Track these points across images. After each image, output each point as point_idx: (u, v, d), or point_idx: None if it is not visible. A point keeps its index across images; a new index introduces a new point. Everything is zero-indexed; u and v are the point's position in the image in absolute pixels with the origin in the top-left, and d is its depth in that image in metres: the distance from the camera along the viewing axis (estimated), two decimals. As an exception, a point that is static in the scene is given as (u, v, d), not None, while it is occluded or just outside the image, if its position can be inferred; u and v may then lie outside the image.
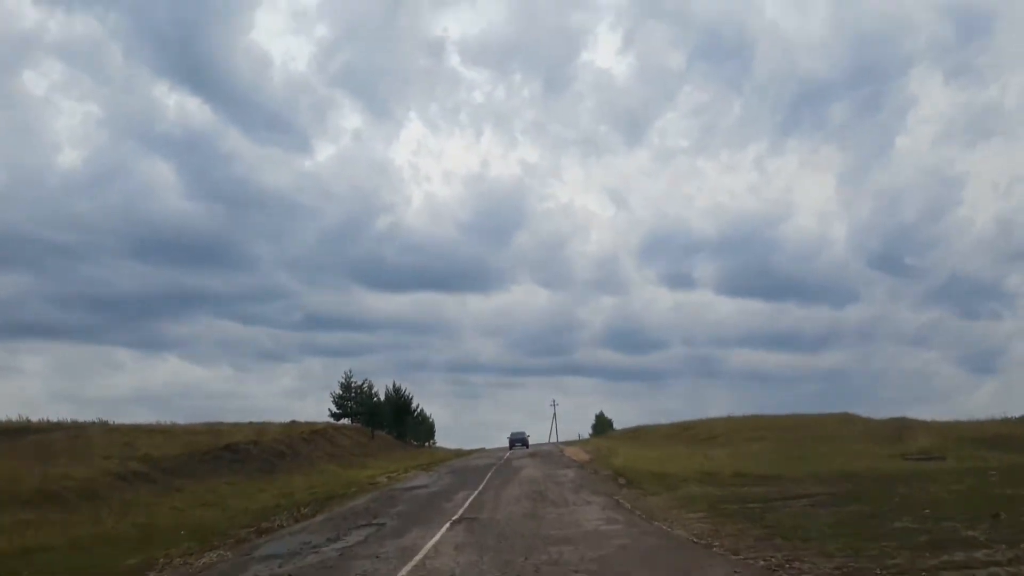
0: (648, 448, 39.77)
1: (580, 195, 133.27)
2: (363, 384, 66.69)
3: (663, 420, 58.11)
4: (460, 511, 15.65)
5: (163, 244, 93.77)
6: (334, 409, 61.29)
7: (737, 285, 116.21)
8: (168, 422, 36.19)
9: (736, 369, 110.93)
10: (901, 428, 35.67)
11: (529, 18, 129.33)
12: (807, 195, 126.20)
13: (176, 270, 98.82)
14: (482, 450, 64.00)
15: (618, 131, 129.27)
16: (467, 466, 33.71)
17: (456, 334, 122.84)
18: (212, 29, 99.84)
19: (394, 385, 69.83)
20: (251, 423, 43.85)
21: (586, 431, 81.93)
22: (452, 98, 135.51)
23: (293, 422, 49.47)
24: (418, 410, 73.57)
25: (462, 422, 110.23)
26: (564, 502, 16.32)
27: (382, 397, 68.63)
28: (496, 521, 13.61)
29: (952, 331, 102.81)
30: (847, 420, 44.66)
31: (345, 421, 61.68)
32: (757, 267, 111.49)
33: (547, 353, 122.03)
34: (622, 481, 21.22)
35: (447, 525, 13.39)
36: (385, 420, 67.00)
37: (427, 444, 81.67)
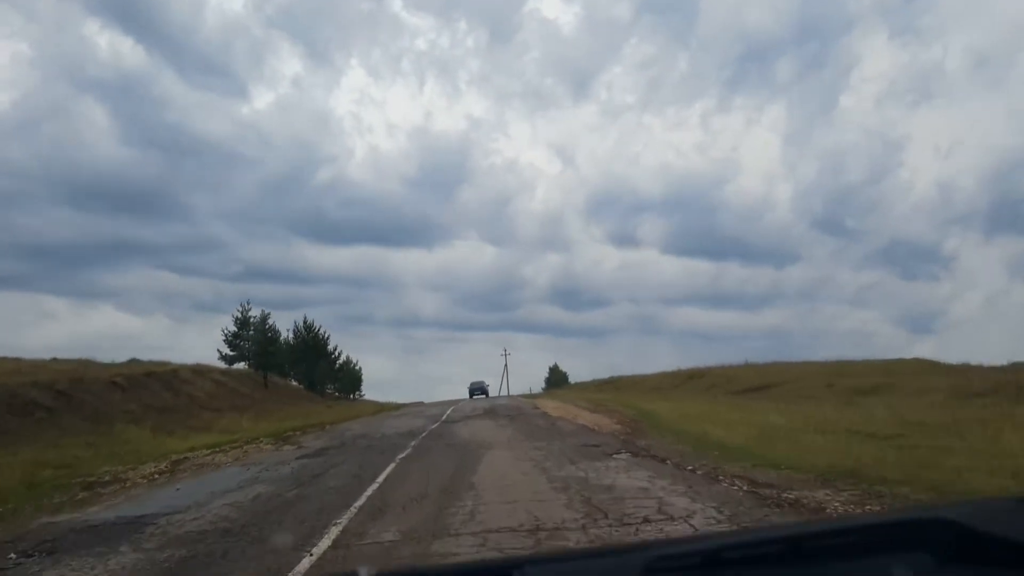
0: (677, 402, 25.65)
1: (526, 151, 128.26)
2: (265, 318, 51.22)
3: (608, 374, 53.77)
4: None
5: (97, 191, 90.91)
6: (226, 351, 45.24)
7: (682, 244, 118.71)
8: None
9: (679, 326, 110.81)
10: None
11: None
12: (752, 154, 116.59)
13: (111, 219, 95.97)
14: (419, 405, 49.45)
15: (564, 84, 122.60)
16: (375, 434, 18.58)
17: (400, 289, 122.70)
18: None
19: (305, 322, 54.12)
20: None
21: (537, 385, 76.41)
22: (395, 44, 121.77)
23: (133, 360, 33.77)
24: (338, 355, 58.03)
25: (407, 376, 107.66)
26: None
27: (290, 337, 52.99)
28: None
29: (891, 292, 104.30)
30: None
31: (241, 366, 46.28)
32: (702, 227, 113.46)
33: (492, 309, 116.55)
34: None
35: None
36: (288, 364, 51.54)
37: (352, 396, 66.64)
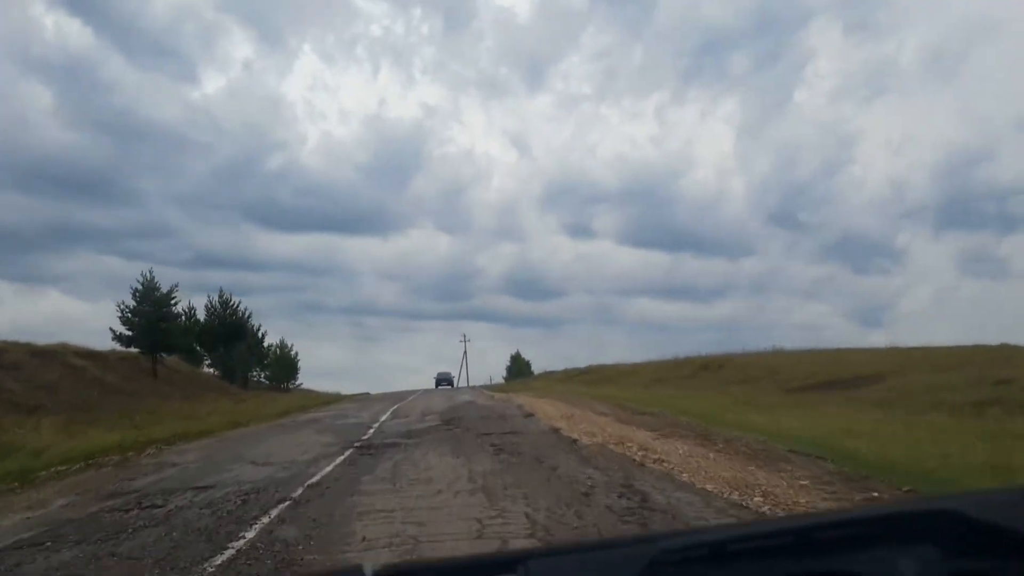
0: (744, 403, 16.74)
1: (481, 140, 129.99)
2: (169, 292, 41.13)
3: (564, 365, 52.79)
4: None
5: (43, 175, 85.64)
6: (121, 329, 34.73)
7: (637, 236, 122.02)
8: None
9: (634, 317, 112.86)
10: None
11: None
12: (707, 148, 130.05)
13: (57, 203, 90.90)
14: (361, 399, 40.27)
15: (519, 73, 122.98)
16: (205, 479, 9.04)
17: (354, 277, 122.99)
18: None
19: (220, 297, 43.90)
20: None
21: (498, 375, 70.88)
22: (349, 30, 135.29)
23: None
24: (262, 336, 47.93)
25: (361, 364, 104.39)
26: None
27: (200, 314, 42.87)
28: None
29: (843, 286, 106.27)
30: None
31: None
32: (657, 219, 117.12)
33: (448, 298, 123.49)
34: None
35: None
36: (199, 347, 41.55)
37: (285, 385, 56.62)
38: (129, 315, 33.79)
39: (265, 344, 51.19)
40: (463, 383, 75.86)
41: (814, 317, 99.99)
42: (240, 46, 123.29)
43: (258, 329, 46.95)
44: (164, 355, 35.35)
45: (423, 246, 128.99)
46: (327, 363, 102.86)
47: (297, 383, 59.61)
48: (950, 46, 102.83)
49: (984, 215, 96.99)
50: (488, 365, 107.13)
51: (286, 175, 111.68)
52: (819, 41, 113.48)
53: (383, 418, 17.06)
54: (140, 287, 34.25)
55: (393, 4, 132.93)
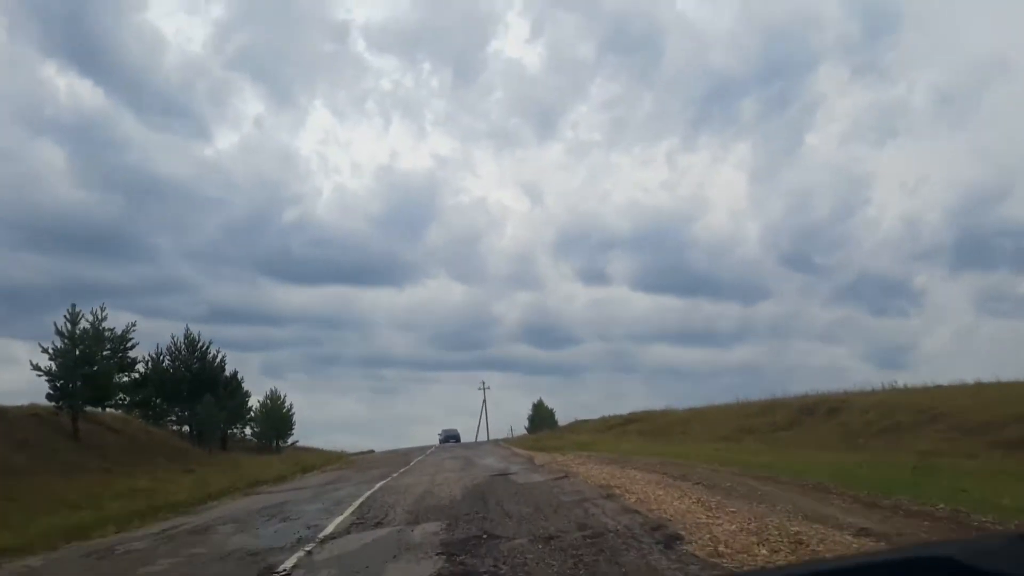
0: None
1: (494, 189, 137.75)
2: (124, 333, 33.62)
3: (584, 414, 49.17)
4: None
5: (57, 234, 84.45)
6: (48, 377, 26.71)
7: (651, 281, 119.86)
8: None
9: (651, 364, 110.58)
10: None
11: (436, 2, 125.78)
12: (719, 192, 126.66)
13: (72, 261, 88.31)
14: (361, 459, 32.39)
15: (530, 123, 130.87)
16: None
17: (369, 329, 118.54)
18: (101, 6, 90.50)
19: (187, 337, 36.11)
20: None
21: (519, 425, 63.62)
22: (359, 86, 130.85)
23: None
24: (235, 383, 39.75)
25: (378, 417, 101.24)
26: None
27: (161, 355, 35.10)
28: None
29: (861, 328, 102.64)
30: None
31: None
32: (671, 264, 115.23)
33: (463, 348, 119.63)
34: None
35: None
36: (160, 400, 33.72)
37: (275, 444, 48.33)
38: (51, 359, 25.85)
39: (246, 395, 43.01)
40: (483, 436, 67.27)
41: (834, 359, 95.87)
42: (251, 103, 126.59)
43: (232, 377, 38.81)
44: (99, 409, 27.41)
45: (438, 296, 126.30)
46: (344, 417, 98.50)
47: (292, 442, 51.46)
48: (961, 87, 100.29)
49: (1001, 253, 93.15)
50: (506, 415, 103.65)
51: (300, 228, 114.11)
52: (827, 85, 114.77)
53: (338, 520, 8.82)
54: (67, 324, 26.29)
55: (402, 58, 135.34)
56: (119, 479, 21.64)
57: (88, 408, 27.41)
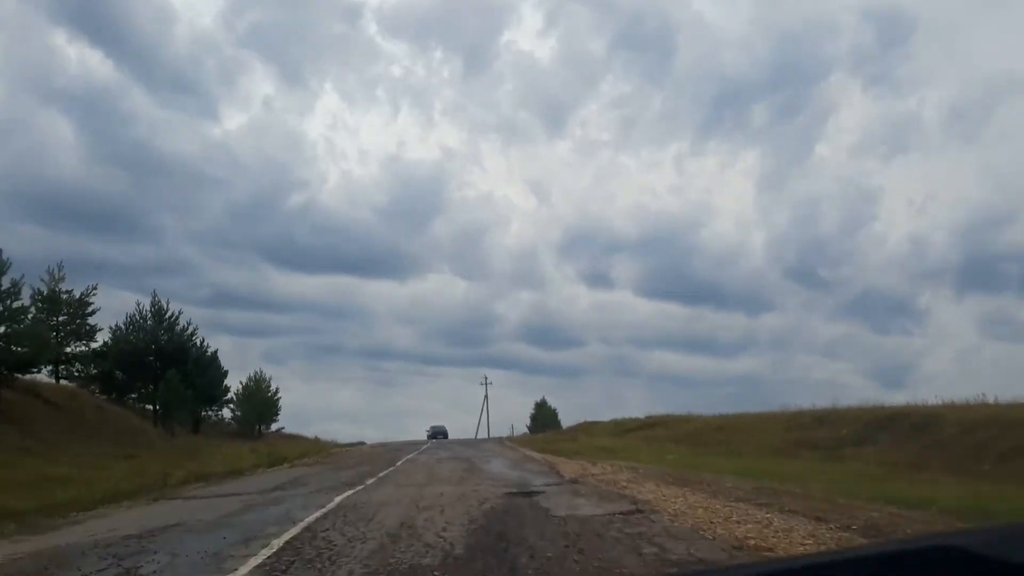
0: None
1: (501, 185, 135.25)
2: (84, 295, 30.16)
3: (587, 417, 47.01)
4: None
5: (61, 208, 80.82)
6: None
7: (655, 287, 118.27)
8: None
9: (653, 370, 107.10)
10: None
11: None
12: (726, 200, 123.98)
13: (75, 236, 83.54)
14: (349, 451, 28.22)
15: (539, 118, 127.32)
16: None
17: (371, 320, 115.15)
18: None
19: (154, 303, 31.77)
20: None
21: (520, 424, 60.30)
22: (369, 70, 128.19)
23: None
24: (206, 355, 35.26)
25: (376, 409, 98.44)
26: None
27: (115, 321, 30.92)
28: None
29: (863, 345, 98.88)
30: None
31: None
32: (675, 271, 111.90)
33: (464, 344, 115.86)
34: None
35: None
36: (115, 373, 29.53)
37: (258, 430, 44.06)
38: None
39: (224, 374, 38.67)
40: (483, 433, 62.81)
41: (834, 375, 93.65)
42: (260, 83, 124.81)
43: (204, 352, 34.40)
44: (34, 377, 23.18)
45: (440, 291, 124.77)
46: (342, 406, 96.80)
47: (277, 428, 47.17)
48: (972, 104, 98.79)
49: (1007, 277, 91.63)
50: (506, 413, 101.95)
51: (305, 214, 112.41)
52: (839, 95, 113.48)
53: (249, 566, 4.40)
54: None
55: (413, 44, 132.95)
56: (31, 462, 17.36)
57: (22, 377, 23.25)
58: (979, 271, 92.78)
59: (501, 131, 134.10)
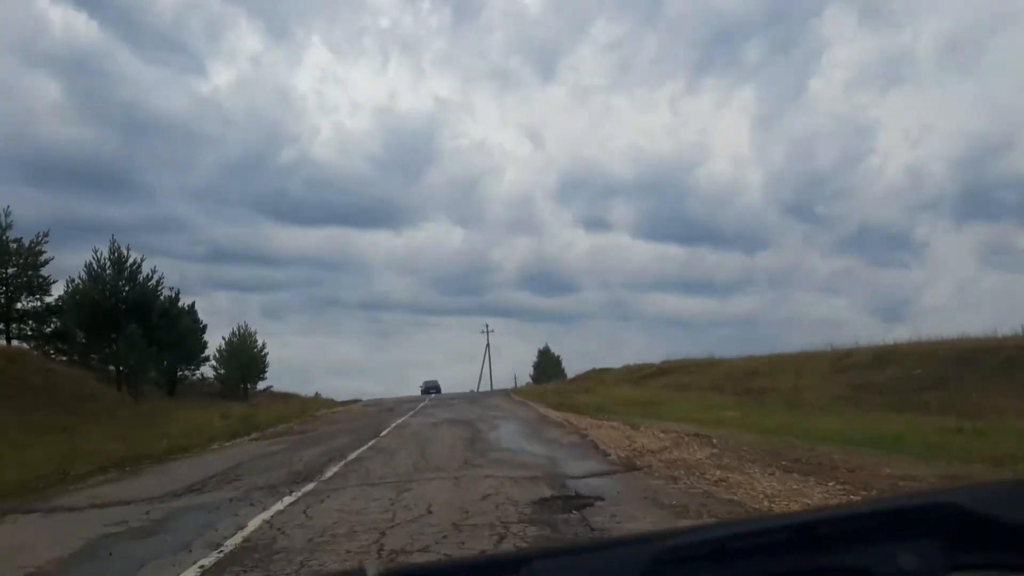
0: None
1: (494, 132, 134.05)
2: (33, 244, 26.64)
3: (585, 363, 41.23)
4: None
5: (52, 169, 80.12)
6: None
7: (653, 229, 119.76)
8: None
9: (651, 313, 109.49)
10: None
11: None
12: (722, 139, 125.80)
13: (68, 197, 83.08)
14: (337, 413, 24.93)
15: (531, 64, 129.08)
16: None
17: (368, 272, 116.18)
18: None
19: (113, 250, 27.95)
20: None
21: (523, 374, 56.36)
22: (357, 22, 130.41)
23: None
24: (178, 310, 31.51)
25: (377, 361, 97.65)
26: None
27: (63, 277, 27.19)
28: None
29: (862, 279, 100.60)
30: None
31: None
32: (673, 211, 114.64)
33: (462, 293, 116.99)
34: None
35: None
36: (73, 327, 26.01)
37: (244, 387, 40.73)
38: None
39: (202, 329, 35.08)
40: (486, 385, 59.59)
41: (834, 311, 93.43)
42: (247, 38, 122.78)
43: (172, 303, 30.65)
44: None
45: (437, 240, 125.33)
46: (343, 360, 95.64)
47: (264, 387, 43.79)
48: (967, 35, 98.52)
49: (1005, 205, 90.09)
50: (507, 363, 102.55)
51: (298, 168, 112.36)
52: (833, 29, 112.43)
53: None
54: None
55: None
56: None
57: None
58: (977, 200, 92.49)
59: (493, 79, 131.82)
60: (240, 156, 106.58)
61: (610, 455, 8.28)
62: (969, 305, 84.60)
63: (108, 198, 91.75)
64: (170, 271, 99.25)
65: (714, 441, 8.81)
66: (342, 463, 9.06)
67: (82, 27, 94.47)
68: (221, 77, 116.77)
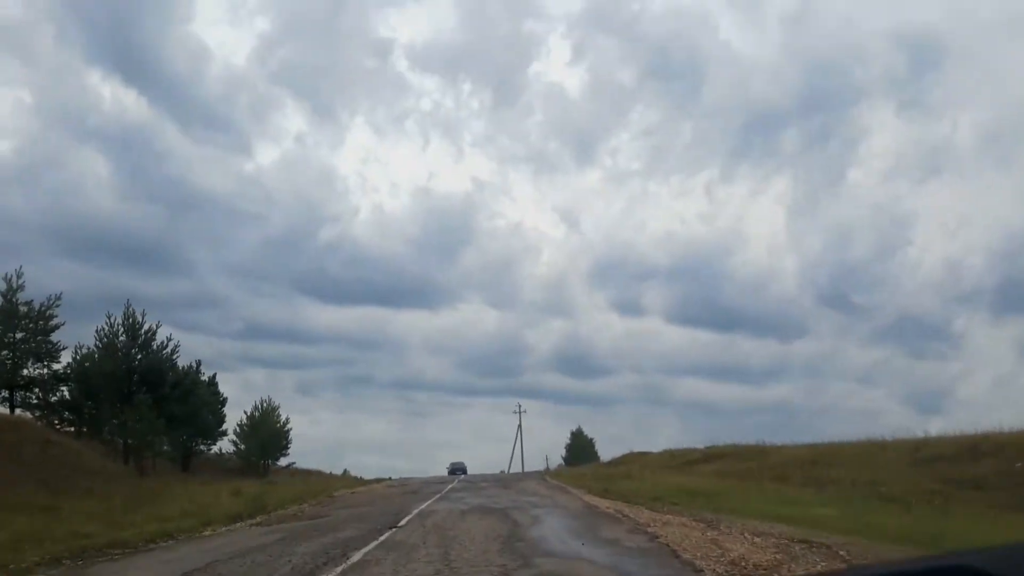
0: None
1: (530, 214, 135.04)
2: (43, 307, 25.40)
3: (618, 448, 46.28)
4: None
5: (96, 243, 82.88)
6: None
7: (687, 314, 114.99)
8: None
9: (684, 398, 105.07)
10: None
11: (479, 24, 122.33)
12: (757, 226, 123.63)
13: (109, 271, 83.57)
14: (356, 495, 22.63)
15: (569, 148, 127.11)
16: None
17: (402, 351, 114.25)
18: (147, 15, 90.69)
19: (128, 315, 26.56)
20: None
21: (554, 456, 56.23)
22: (399, 104, 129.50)
23: None
24: (190, 377, 29.71)
25: (408, 440, 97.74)
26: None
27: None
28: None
29: (899, 370, 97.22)
30: None
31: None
32: (707, 297, 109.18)
33: (495, 375, 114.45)
34: None
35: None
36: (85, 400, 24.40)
37: (265, 464, 38.49)
38: None
39: (222, 401, 33.26)
40: (516, 466, 56.45)
41: (870, 402, 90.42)
42: (292, 118, 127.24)
43: (188, 373, 28.92)
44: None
45: (471, 321, 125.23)
46: (375, 439, 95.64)
47: (287, 463, 41.49)
48: (1006, 127, 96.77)
49: None
50: (538, 443, 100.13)
51: (337, 247, 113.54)
52: (871, 119, 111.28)
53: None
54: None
55: (443, 78, 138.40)
56: None
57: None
58: (1016, 293, 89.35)
59: (531, 161, 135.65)
60: (279, 234, 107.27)
61: (703, 572, 5.96)
62: (1007, 399, 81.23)
63: (147, 273, 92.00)
64: (205, 347, 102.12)
65: (842, 554, 6.43)
66: (338, 570, 6.84)
67: (131, 103, 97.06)
68: (265, 156, 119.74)
